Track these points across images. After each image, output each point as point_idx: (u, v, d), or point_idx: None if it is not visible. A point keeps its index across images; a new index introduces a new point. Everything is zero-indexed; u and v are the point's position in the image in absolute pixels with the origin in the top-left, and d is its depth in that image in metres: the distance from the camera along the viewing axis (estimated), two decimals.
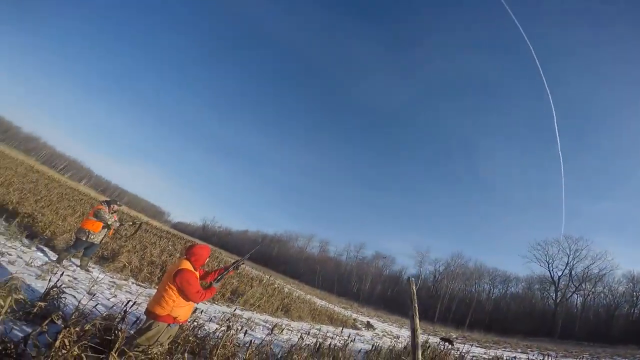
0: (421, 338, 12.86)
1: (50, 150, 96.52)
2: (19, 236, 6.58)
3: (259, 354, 4.71)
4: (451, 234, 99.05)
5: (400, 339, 12.05)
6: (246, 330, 6.28)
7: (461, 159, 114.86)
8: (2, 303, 3.18)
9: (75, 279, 5.59)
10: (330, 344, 5.94)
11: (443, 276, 56.82)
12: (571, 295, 43.79)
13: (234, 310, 7.64)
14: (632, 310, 38.17)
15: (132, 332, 3.36)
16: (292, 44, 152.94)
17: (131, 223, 8.91)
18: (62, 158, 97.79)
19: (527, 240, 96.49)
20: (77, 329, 2.98)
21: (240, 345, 4.79)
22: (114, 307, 4.31)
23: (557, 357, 8.95)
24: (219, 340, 4.16)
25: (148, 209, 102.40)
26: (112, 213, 6.45)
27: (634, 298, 38.51)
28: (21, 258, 5.44)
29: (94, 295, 4.96)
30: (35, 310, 3.40)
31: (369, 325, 14.50)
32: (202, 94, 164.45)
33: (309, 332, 7.95)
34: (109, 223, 6.31)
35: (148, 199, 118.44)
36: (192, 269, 3.26)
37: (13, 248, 5.84)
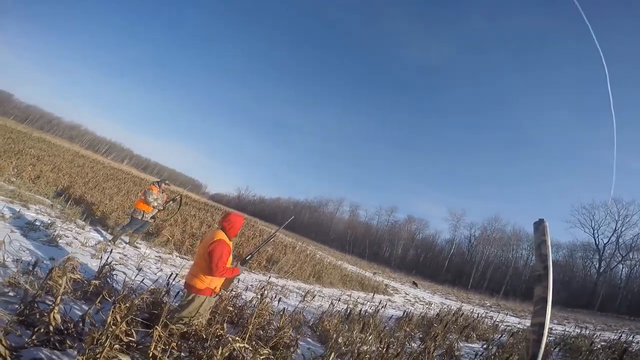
0: (454, 305, 12.92)
1: (92, 135, 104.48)
2: (72, 218, 7.22)
3: (292, 321, 4.98)
4: (488, 196, 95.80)
5: (432, 305, 12.22)
6: (280, 298, 6.67)
7: (500, 116, 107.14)
8: (60, 282, 3.60)
9: (125, 255, 6.07)
10: (360, 310, 6.11)
11: (478, 241, 55.27)
12: (616, 266, 40.92)
13: (269, 278, 8.07)
14: None
15: (176, 304, 3.52)
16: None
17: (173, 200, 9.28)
18: (104, 142, 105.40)
19: (572, 203, 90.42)
20: (126, 304, 3.28)
21: (275, 312, 5.08)
22: (159, 281, 4.68)
23: (594, 329, 8.61)
24: (255, 309, 4.42)
25: (186, 182, 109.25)
26: (162, 192, 6.89)
27: None
28: (77, 239, 5.97)
29: (141, 270, 5.38)
30: (91, 288, 3.74)
31: (398, 290, 14.83)
32: (228, 66, 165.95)
33: (339, 299, 8.26)
34: (154, 205, 6.71)
35: (186, 173, 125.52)
36: (227, 240, 3.25)
37: (69, 230, 6.40)
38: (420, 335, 6.12)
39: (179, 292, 4.28)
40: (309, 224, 71.94)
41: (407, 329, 6.09)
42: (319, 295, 8.06)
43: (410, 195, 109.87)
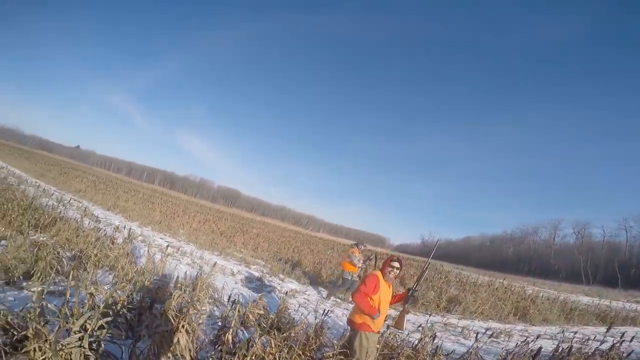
0: None
1: (294, 212, 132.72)
2: (276, 272, 9.23)
3: None
4: None
5: None
6: (458, 340, 5.66)
7: None
8: (251, 316, 4.65)
9: (307, 300, 7.07)
10: (579, 348, 4.30)
11: None
12: None
13: (445, 320, 7.06)
14: None
15: (335, 341, 3.74)
16: None
17: (369, 258, 9.68)
18: (304, 216, 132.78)
19: None
20: (284, 334, 3.80)
21: (440, 353, 4.33)
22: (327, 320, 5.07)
23: None
24: (411, 350, 3.98)
25: (371, 238, 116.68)
26: (361, 253, 7.88)
27: None
28: (276, 287, 7.57)
29: (317, 311, 5.92)
30: (269, 322, 4.53)
31: None
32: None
33: (554, 337, 6.10)
34: (359, 266, 7.70)
35: (369, 230, 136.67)
36: (380, 277, 3.24)
37: (272, 281, 8.21)
38: None
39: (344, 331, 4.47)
40: (516, 259, 59.08)
41: None
42: (521, 334, 6.26)
43: None
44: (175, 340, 2.94)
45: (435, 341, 5.21)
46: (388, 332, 4.51)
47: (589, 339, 5.67)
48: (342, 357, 3.20)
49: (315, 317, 4.24)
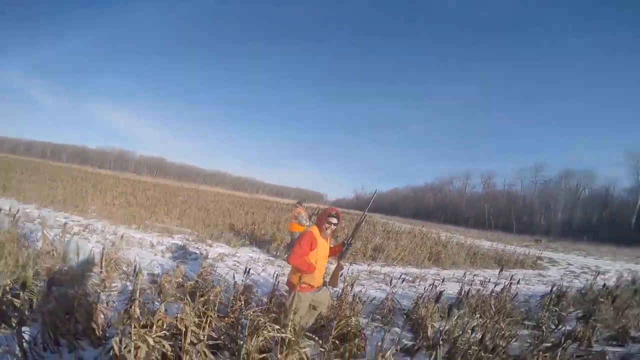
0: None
1: (231, 177, 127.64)
2: (203, 239, 8.64)
3: (380, 309, 4.36)
4: None
5: (606, 275, 9.01)
6: (381, 287, 6.08)
7: None
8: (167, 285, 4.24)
9: (238, 262, 6.78)
10: (478, 290, 4.88)
11: None
12: None
13: (370, 267, 7.55)
14: None
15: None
16: None
17: (314, 214, 9.58)
18: (242, 180, 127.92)
19: None
20: (203, 298, 3.50)
21: (358, 301, 4.59)
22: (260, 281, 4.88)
23: None
24: (335, 300, 4.06)
25: (310, 195, 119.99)
26: (305, 210, 7.64)
27: None
28: (202, 254, 7.06)
29: (248, 272, 5.73)
30: (188, 289, 4.14)
31: (555, 261, 11.61)
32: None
33: (460, 279, 6.96)
34: (306, 225, 7.44)
35: (308, 188, 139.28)
36: (316, 233, 3.06)
37: (197, 248, 7.63)
38: (580, 314, 4.41)
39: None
40: (435, 207, 66.60)
41: (555, 309, 4.47)
42: (434, 279, 7.00)
43: (561, 147, 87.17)
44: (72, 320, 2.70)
45: (360, 289, 5.52)
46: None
47: (488, 281, 6.58)
48: (269, 313, 3.07)
49: (244, 278, 3.99)
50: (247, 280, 4.96)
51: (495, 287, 5.38)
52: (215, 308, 3.13)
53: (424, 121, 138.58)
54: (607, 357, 2.76)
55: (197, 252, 7.15)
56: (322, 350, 3.01)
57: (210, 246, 8.05)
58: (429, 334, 3.37)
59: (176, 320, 2.70)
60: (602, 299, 4.36)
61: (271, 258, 7.66)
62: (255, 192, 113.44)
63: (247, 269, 4.08)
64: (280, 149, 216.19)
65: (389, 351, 2.64)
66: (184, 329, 2.58)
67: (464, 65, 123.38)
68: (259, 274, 5.99)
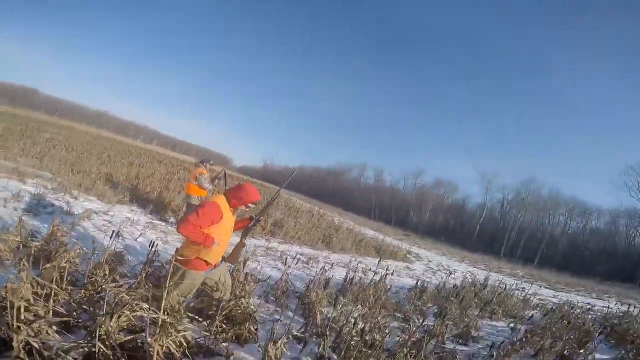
0: (482, 274, 11.81)
1: (119, 121, 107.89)
2: (68, 189, 7.04)
3: (275, 290, 4.34)
4: (523, 155, 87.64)
5: (456, 274, 11.25)
6: (277, 265, 6.07)
7: (534, 70, 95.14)
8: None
9: (110, 222, 5.77)
10: (360, 279, 5.33)
11: (512, 205, 51.42)
12: None
13: (269, 244, 7.51)
14: None
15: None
16: None
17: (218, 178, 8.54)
18: (132, 126, 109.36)
19: (617, 165, 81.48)
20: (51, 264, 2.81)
21: (251, 280, 4.49)
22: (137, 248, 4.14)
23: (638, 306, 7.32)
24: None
25: (213, 157, 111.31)
26: (208, 172, 6.67)
27: None
28: (62, 208, 5.72)
29: (120, 236, 4.83)
30: (32, 252, 3.20)
31: (420, 257, 13.95)
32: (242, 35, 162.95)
33: (347, 265, 7.56)
34: (208, 189, 6.47)
35: (212, 148, 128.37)
36: (223, 206, 2.70)
37: (58, 200, 6.18)
38: (436, 310, 5.28)
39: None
40: (334, 191, 71.35)
41: (419, 303, 5.24)
42: (325, 262, 7.41)
43: (437, 157, 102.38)
44: None
45: (255, 266, 5.39)
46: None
47: (369, 270, 7.29)
48: (140, 288, 2.66)
49: (112, 242, 3.29)
50: (118, 246, 4.27)
51: (374, 276, 6.00)
52: (66, 278, 2.68)
53: (336, 102, 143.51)
54: (456, 355, 3.31)
55: (57, 204, 5.76)
56: (207, 334, 2.78)
57: (76, 199, 6.65)
58: (318, 321, 3.45)
59: (5, 292, 2.05)
60: (452, 298, 5.30)
61: (154, 221, 6.82)
62: (148, 142, 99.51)
63: (116, 232, 3.37)
64: (185, 97, 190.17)
65: (280, 341, 2.58)
66: (17, 303, 2.02)
67: (383, 60, 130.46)
68: (135, 239, 5.21)
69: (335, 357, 2.97)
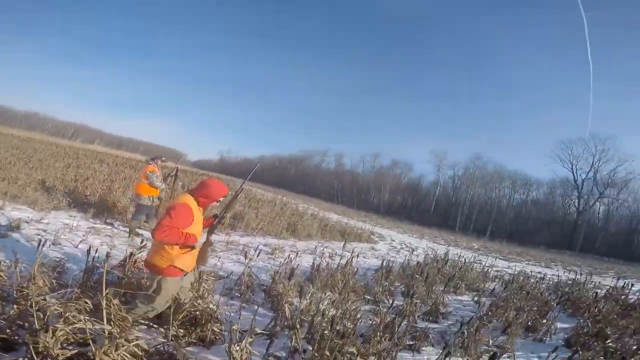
0: (442, 249, 12.50)
1: (54, 121, 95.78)
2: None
3: (238, 285, 4.10)
4: (469, 135, 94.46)
5: (417, 251, 11.74)
6: (239, 259, 5.76)
7: (477, 55, 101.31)
8: None
9: (44, 231, 5.10)
10: (327, 264, 5.24)
11: (462, 181, 54.78)
12: (594, 203, 41.58)
13: (229, 237, 7.14)
14: None
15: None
16: None
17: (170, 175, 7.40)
18: (70, 125, 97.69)
19: (552, 139, 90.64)
20: None
21: (222, 276, 4.24)
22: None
23: (582, 273, 8.22)
24: None
25: (165, 153, 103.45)
26: (160, 169, 6.21)
27: None
28: None
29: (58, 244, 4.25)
30: None
31: (383, 237, 14.41)
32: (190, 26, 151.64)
33: (313, 251, 7.47)
34: (160, 187, 6.03)
35: (163, 144, 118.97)
36: (193, 205, 2.59)
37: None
38: (403, 289, 5.37)
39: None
40: (296, 179, 71.21)
41: (386, 283, 5.28)
42: (292, 250, 7.24)
43: (393, 140, 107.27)
44: None
45: (215, 262, 5.07)
46: None
47: (335, 254, 7.26)
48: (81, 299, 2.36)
49: (40, 250, 2.79)
50: (56, 254, 3.75)
51: (340, 260, 5.97)
52: None
53: (296, 92, 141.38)
54: (428, 333, 3.34)
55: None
56: (164, 340, 2.54)
57: (1, 209, 5.73)
58: (287, 314, 3.29)
59: None
60: (417, 275, 5.40)
61: (97, 225, 6.14)
62: (89, 142, 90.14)
63: (50, 240, 2.89)
64: (130, 93, 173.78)
65: (245, 340, 2.40)
66: None
67: (337, 44, 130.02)
68: (76, 246, 4.62)
69: (310, 348, 2.86)
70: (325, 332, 2.75)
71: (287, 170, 76.95)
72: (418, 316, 4.00)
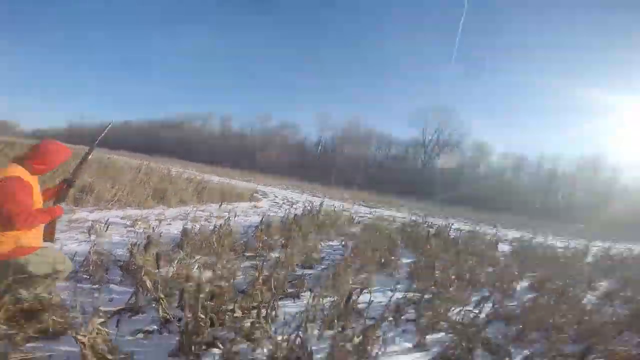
0: (319, 201, 13.58)
1: None
2: None
3: (85, 266, 3.45)
4: (349, 99, 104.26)
5: (297, 204, 12.40)
6: (88, 239, 4.81)
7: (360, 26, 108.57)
8: None
9: None
10: (201, 227, 4.97)
11: (340, 141, 62.58)
12: (434, 159, 57.15)
13: (73, 215, 5.86)
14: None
15: None
16: None
17: None
18: None
19: (413, 106, 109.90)
20: None
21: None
22: None
23: (420, 215, 10.44)
24: None
25: None
26: None
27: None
28: None
29: None
30: None
31: (267, 194, 14.66)
32: None
33: (186, 217, 6.96)
34: None
35: None
36: (25, 176, 2.25)
37: None
38: (282, 241, 5.58)
39: None
40: (174, 144, 63.99)
41: (266, 238, 5.39)
42: (159, 219, 6.50)
43: (281, 104, 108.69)
44: None
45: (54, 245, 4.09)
46: None
47: (213, 216, 6.91)
48: None
49: None
50: None
51: (216, 221, 5.74)
52: None
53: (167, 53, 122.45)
54: (304, 279, 3.61)
55: None
56: None
57: None
58: (147, 285, 2.96)
59: None
60: (294, 227, 5.72)
61: None
62: None
63: None
64: None
65: (90, 322, 2.06)
66: None
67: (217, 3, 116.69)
68: None
69: (190, 315, 2.69)
70: (201, 295, 2.61)
71: (161, 136, 67.99)
72: (297, 265, 4.26)
